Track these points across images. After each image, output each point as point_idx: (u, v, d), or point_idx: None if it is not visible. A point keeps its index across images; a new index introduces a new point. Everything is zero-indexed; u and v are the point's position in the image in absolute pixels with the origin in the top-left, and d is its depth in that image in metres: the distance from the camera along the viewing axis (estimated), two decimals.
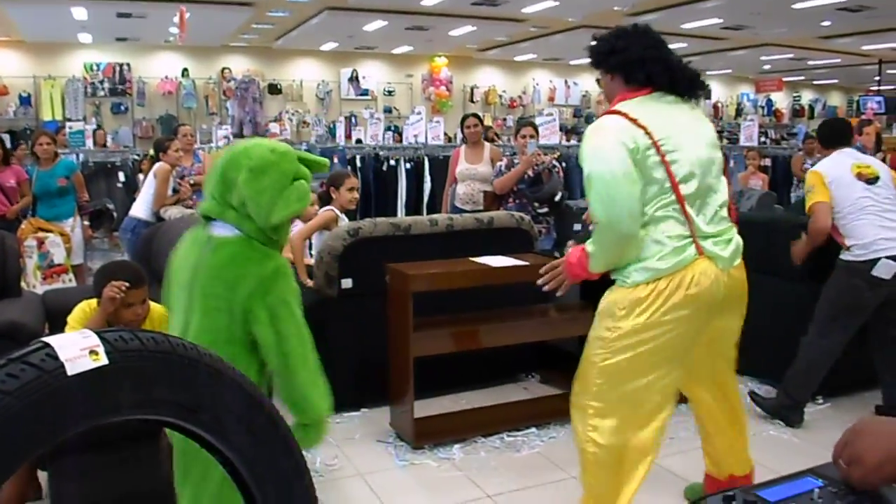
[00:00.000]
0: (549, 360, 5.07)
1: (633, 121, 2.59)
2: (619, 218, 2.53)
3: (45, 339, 0.96)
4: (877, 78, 19.95)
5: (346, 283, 4.43)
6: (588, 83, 21.89)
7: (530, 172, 5.77)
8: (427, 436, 4.05)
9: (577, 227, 6.14)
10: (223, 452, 1.08)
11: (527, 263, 4.32)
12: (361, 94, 19.16)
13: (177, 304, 2.23)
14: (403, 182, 9.96)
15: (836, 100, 25.61)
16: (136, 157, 10.16)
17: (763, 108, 23.32)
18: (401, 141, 12.29)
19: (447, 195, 6.85)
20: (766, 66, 21.51)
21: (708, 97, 22.43)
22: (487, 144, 6.72)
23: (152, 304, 3.33)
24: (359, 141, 12.45)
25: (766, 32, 15.68)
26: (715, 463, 3.15)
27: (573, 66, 21.58)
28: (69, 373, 0.92)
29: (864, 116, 12.81)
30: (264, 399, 1.12)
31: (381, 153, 10.36)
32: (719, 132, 19.00)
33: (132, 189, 8.93)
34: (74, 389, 0.92)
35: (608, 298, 2.69)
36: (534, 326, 4.57)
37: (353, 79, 19.17)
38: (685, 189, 2.59)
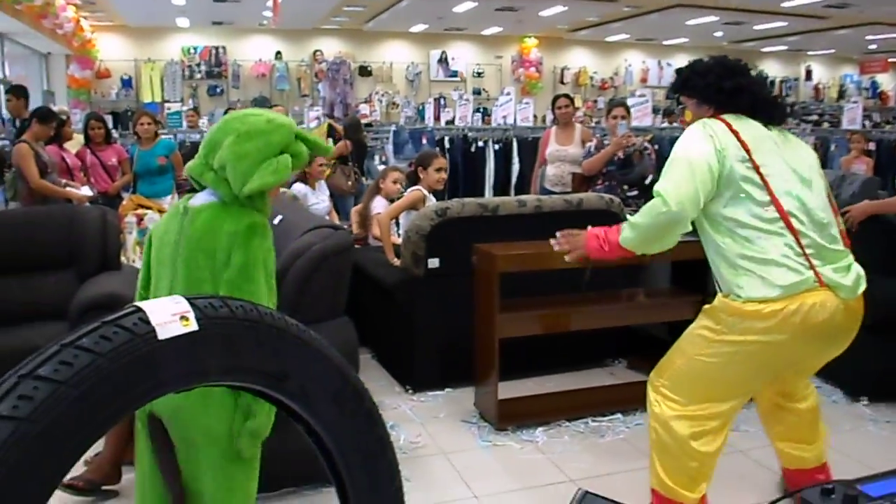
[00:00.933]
0: (637, 345, 4.98)
1: (730, 127, 2.61)
2: (680, 198, 2.51)
3: (138, 303, 0.97)
4: None
5: (433, 262, 4.44)
6: (682, 63, 21.24)
7: (620, 154, 5.66)
8: (511, 417, 4.03)
9: None
10: (309, 423, 1.08)
11: None
12: (450, 76, 19.17)
13: (160, 278, 2.16)
14: (491, 163, 9.94)
15: None
16: None
17: (867, 90, 22.31)
18: (489, 122, 12.24)
19: (536, 176, 6.79)
20: (872, 46, 20.54)
21: (809, 78, 21.65)
22: (578, 126, 6.63)
23: None
24: (449, 122, 12.47)
25: (872, 10, 14.93)
26: (788, 458, 3.06)
27: (667, 47, 21.07)
28: (159, 337, 0.93)
29: None
30: (350, 371, 1.11)
31: (469, 134, 10.34)
32: (819, 115, 18.33)
33: None
34: (164, 353, 0.93)
35: (718, 303, 2.65)
36: (622, 311, 4.50)
37: (443, 60, 19.18)
38: (787, 205, 2.53)
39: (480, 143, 10.04)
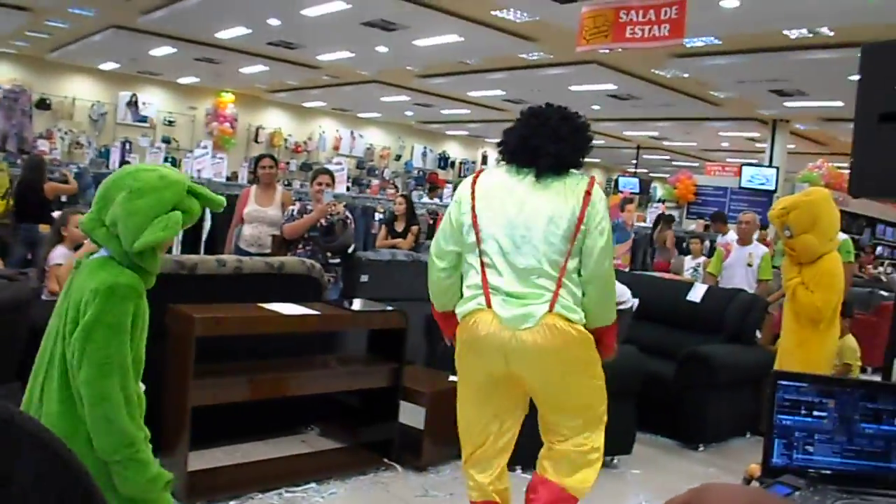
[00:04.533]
0: (330, 412, 4.95)
1: (474, 181, 3.00)
2: (431, 255, 3.07)
3: None
4: (634, 161, 21.95)
5: None
6: (373, 136, 22.26)
7: (323, 221, 5.70)
8: (200, 491, 3.78)
9: (365, 278, 6.13)
10: None
11: (318, 313, 4.24)
12: (139, 121, 18.24)
13: (51, 329, 2.13)
14: None
15: (597, 178, 27.73)
16: None
17: None
18: None
19: (231, 235, 6.59)
20: None
21: (485, 162, 23.55)
22: (280, 188, 6.58)
23: None
24: None
25: None
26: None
27: (361, 119, 21.91)
28: None
29: (623, 196, 13.89)
30: (82, 467, 0.96)
31: None
32: None
33: None
34: None
35: None
36: (318, 378, 4.45)
37: (132, 103, 18.22)
38: (486, 247, 2.86)
39: None
